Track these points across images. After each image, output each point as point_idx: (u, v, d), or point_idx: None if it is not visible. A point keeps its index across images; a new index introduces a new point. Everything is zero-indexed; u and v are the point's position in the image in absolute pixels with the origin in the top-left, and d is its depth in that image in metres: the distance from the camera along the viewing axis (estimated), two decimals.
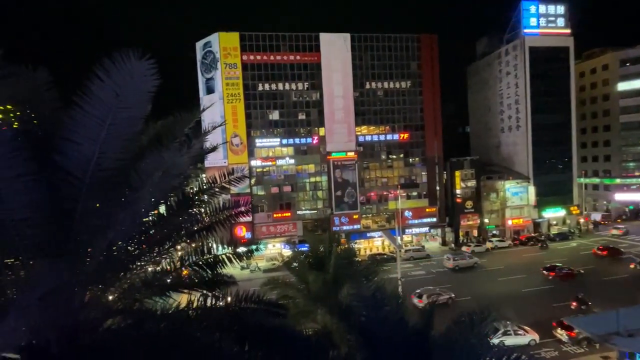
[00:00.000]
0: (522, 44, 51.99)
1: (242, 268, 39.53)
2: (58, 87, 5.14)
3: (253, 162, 47.18)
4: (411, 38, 50.86)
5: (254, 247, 7.36)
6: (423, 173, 51.77)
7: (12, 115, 4.93)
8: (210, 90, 47.04)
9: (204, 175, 36.72)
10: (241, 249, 6.66)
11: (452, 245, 50.56)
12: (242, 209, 6.20)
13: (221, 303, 5.74)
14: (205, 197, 6.10)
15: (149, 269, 5.45)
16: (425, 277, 37.98)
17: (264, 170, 48.31)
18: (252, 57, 46.79)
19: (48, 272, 3.39)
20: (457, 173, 51.36)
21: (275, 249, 46.81)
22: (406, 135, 51.12)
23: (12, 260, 4.28)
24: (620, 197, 57.88)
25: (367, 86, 50.13)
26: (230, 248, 6.39)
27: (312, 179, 49.43)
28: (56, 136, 4.07)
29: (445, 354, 5.64)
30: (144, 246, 5.19)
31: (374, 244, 50.22)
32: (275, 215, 47.83)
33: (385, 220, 51.04)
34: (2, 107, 4.73)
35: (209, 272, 6.11)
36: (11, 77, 4.54)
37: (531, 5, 52.44)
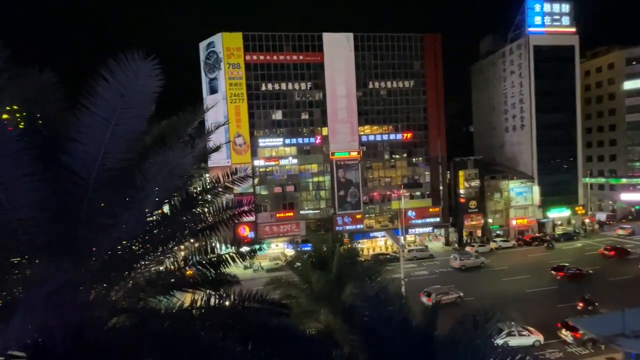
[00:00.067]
0: (527, 43, 51.61)
1: (245, 267, 39.62)
2: (62, 88, 5.19)
3: (256, 162, 47.27)
4: (414, 37, 50.68)
5: (257, 246, 7.38)
6: (426, 173, 51.59)
7: (18, 115, 4.99)
8: (213, 90, 47.21)
9: (207, 175, 36.88)
10: (244, 249, 6.68)
11: (456, 245, 50.34)
12: (245, 208, 6.22)
13: (225, 302, 5.76)
14: (209, 196, 6.12)
15: (153, 268, 5.48)
16: (429, 277, 37.85)
17: (267, 170, 48.39)
18: (255, 57, 46.88)
19: (54, 270, 3.42)
20: (461, 173, 51.12)
21: (278, 249, 46.89)
22: (409, 135, 50.96)
23: (19, 258, 4.33)
24: (626, 197, 57.28)
25: (370, 86, 50.03)
26: (233, 247, 6.41)
27: (315, 179, 49.44)
28: (61, 136, 4.11)
29: (449, 354, 5.62)
30: (148, 245, 5.22)
31: (377, 244, 50.13)
32: (278, 215, 47.89)
33: (388, 220, 50.92)
34: (8, 108, 4.78)
35: (213, 271, 6.14)
36: (17, 78, 4.58)
37: (536, 4, 52.03)
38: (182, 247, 6.19)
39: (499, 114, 58.80)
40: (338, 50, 48.35)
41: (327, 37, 48.27)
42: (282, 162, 48.45)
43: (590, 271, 34.67)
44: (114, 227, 3.98)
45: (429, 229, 51.80)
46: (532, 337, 22.87)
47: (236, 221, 6.36)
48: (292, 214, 48.22)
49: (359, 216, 49.30)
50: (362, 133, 49.82)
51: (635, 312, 16.69)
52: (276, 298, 10.67)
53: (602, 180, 60.42)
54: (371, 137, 50.36)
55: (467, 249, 46.44)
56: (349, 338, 6.95)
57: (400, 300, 6.97)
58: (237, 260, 6.38)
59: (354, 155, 49.10)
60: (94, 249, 4.30)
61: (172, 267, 5.86)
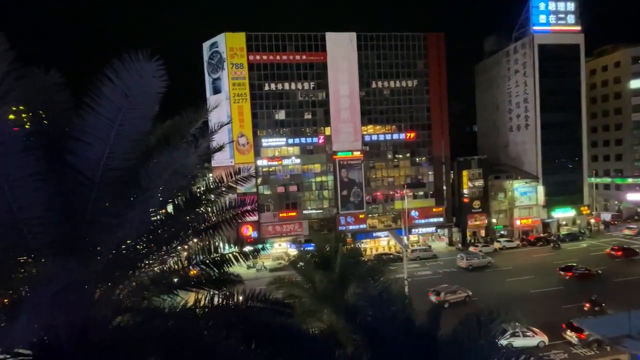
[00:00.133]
0: (531, 42, 51.24)
1: (249, 267, 39.76)
2: (67, 88, 5.23)
3: (259, 162, 47.37)
4: (418, 36, 50.51)
5: (260, 246, 7.40)
6: (430, 172, 51.41)
7: (24, 116, 5.04)
8: (217, 91, 47.36)
9: (210, 174, 37.01)
10: (247, 248, 6.70)
11: (460, 245, 50.12)
12: (248, 207, 6.24)
13: (229, 302, 5.78)
14: (212, 196, 6.15)
15: (157, 267, 5.51)
16: (432, 277, 37.72)
17: (270, 169, 48.47)
18: (258, 57, 46.96)
19: (60, 270, 3.45)
20: (465, 172, 50.87)
21: (281, 249, 46.95)
22: (413, 135, 50.81)
23: (25, 258, 4.37)
24: (632, 197, 56.70)
25: (374, 85, 49.94)
26: (236, 247, 6.43)
27: (318, 179, 49.45)
28: (67, 136, 4.14)
29: (453, 355, 5.60)
30: (152, 245, 5.25)
31: (380, 244, 50.05)
32: (281, 215, 47.96)
33: (391, 220, 50.82)
34: (14, 108, 4.82)
35: (216, 270, 6.17)
36: (23, 78, 4.63)
37: (540, 2, 51.62)
38: (186, 246, 6.22)
39: (503, 114, 58.44)
40: (341, 50, 48.30)
41: (330, 36, 48.24)
42: (285, 161, 48.50)
43: (599, 271, 34.34)
44: (118, 226, 4.01)
45: (432, 229, 51.62)
46: (536, 338, 22.71)
47: (239, 221, 6.38)
48: (295, 213, 48.26)
49: (362, 216, 49.25)
50: (365, 133, 49.74)
51: None
52: (279, 297, 10.68)
53: (607, 180, 59.84)
54: (374, 137, 50.26)
55: (471, 249, 46.21)
56: (352, 338, 6.95)
57: (403, 300, 6.96)
58: (241, 259, 6.40)
59: (357, 155, 49.04)
60: (98, 248, 4.33)
61: (176, 266, 5.90)
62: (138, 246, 5.12)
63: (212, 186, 6.18)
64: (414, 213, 49.92)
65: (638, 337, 15.40)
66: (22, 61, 4.35)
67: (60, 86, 5.15)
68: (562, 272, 34.66)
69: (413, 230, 50.12)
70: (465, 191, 50.92)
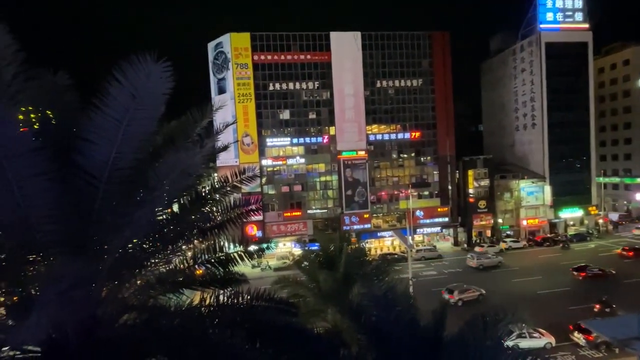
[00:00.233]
0: (538, 40, 50.66)
1: (253, 266, 39.87)
2: (75, 89, 5.30)
3: (264, 162, 47.50)
4: (423, 35, 50.23)
5: (264, 245, 7.43)
6: (435, 172, 51.13)
7: (32, 116, 5.11)
8: (221, 91, 47.59)
9: (215, 174, 37.22)
10: (252, 248, 6.73)
11: (465, 245, 49.78)
12: (253, 207, 6.26)
13: (234, 301, 5.81)
14: (218, 196, 6.18)
15: (163, 266, 5.57)
16: (437, 277, 37.52)
17: (275, 169, 48.58)
18: (262, 57, 47.08)
19: (68, 268, 3.50)
20: (470, 172, 50.51)
21: (285, 248, 47.06)
22: (417, 134, 50.56)
23: (34, 256, 4.44)
24: None
25: (378, 85, 49.78)
26: (241, 246, 6.46)
27: (323, 178, 49.45)
28: (74, 136, 4.20)
29: (458, 355, 5.56)
30: (158, 244, 5.29)
31: (384, 244, 49.90)
32: (285, 214, 48.05)
33: (396, 220, 50.65)
34: (23, 109, 4.89)
35: (221, 270, 6.20)
36: (32, 79, 4.70)
37: (548, 0, 51.02)
38: (191, 245, 6.27)
39: (509, 113, 57.88)
40: (346, 49, 48.22)
41: (334, 36, 48.18)
42: (290, 161, 48.58)
43: (613, 271, 33.88)
44: (125, 225, 4.05)
45: (438, 229, 51.33)
46: (543, 340, 22.48)
47: (244, 220, 6.40)
48: (299, 213, 48.33)
49: (366, 216, 49.14)
50: (369, 132, 49.61)
51: None
52: (284, 297, 10.70)
53: (616, 179, 58.98)
54: (379, 136, 50.12)
55: (476, 249, 45.89)
56: (357, 338, 6.94)
57: (408, 301, 6.93)
58: (245, 259, 6.42)
59: (362, 155, 48.94)
60: (106, 247, 4.38)
61: (182, 265, 5.94)
62: (144, 245, 5.17)
63: (217, 186, 6.21)
64: (418, 213, 49.70)
65: None
66: (32, 62, 4.42)
67: (68, 87, 5.22)
68: (575, 273, 34.25)
69: (418, 230, 49.89)
70: (470, 191, 50.55)
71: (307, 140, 48.81)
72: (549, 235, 49.96)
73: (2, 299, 4.48)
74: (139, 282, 5.30)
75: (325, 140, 49.01)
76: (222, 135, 6.47)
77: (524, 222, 50.86)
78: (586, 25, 51.55)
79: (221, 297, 5.72)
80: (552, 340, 22.64)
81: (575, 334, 22.74)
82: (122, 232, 4.11)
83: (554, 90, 50.68)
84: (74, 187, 4.07)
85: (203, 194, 6.08)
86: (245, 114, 46.77)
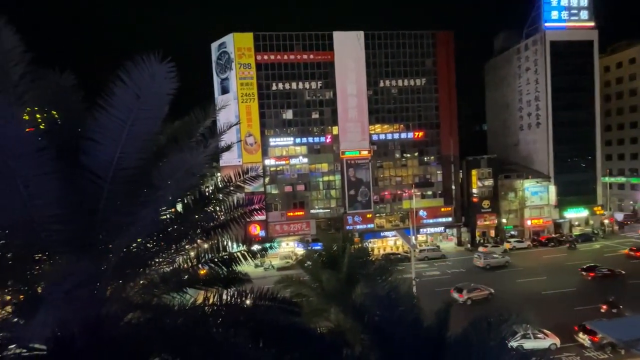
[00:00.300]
0: (543, 39, 50.26)
1: (256, 266, 39.97)
2: (81, 89, 5.34)
3: (267, 161, 47.58)
4: (426, 35, 50.03)
5: (267, 245, 7.44)
6: (438, 172, 50.92)
7: (38, 116, 5.16)
8: (225, 91, 47.72)
9: (219, 174, 37.34)
10: (255, 247, 6.75)
11: (469, 245, 49.54)
12: (256, 206, 6.28)
13: (237, 300, 5.83)
14: (221, 195, 6.21)
15: (167, 265, 5.60)
16: (441, 277, 37.37)
17: (278, 169, 48.65)
18: (266, 57, 47.14)
19: (74, 267, 3.53)
20: (474, 172, 50.23)
21: (288, 248, 47.10)
22: (421, 134, 50.39)
23: (40, 255, 4.48)
24: None
25: (381, 84, 49.66)
26: (244, 246, 6.48)
27: (326, 178, 49.43)
28: (80, 136, 4.23)
29: (462, 356, 5.54)
30: (162, 243, 5.33)
31: (387, 244, 49.79)
32: (288, 214, 48.10)
33: (399, 220, 50.52)
34: (29, 109, 4.94)
35: (225, 269, 6.23)
36: (38, 80, 4.74)
37: None
38: (195, 245, 6.29)
39: (513, 112, 57.50)
40: (349, 49, 48.15)
41: (337, 35, 48.13)
42: (293, 161, 48.61)
43: (622, 272, 33.54)
44: (130, 225, 4.08)
45: (441, 229, 51.13)
46: (547, 340, 22.32)
47: (247, 219, 6.42)
48: (302, 213, 48.35)
49: (369, 215, 49.07)
50: (372, 132, 49.52)
51: None
52: (287, 296, 10.72)
53: (622, 179, 58.39)
54: (382, 136, 50.01)
55: (480, 249, 45.65)
56: (360, 337, 6.93)
57: (411, 301, 6.91)
58: (248, 258, 6.45)
59: (365, 154, 48.87)
60: (110, 246, 4.42)
61: (185, 264, 5.98)
62: (149, 244, 5.20)
63: (220, 185, 6.23)
64: (422, 213, 49.52)
65: None
66: (33, 62, 4.46)
67: (74, 87, 5.27)
68: (584, 273, 33.95)
69: (421, 230, 49.73)
70: (474, 191, 50.29)
71: (310, 140, 48.81)
72: (553, 235, 49.58)
73: (9, 297, 4.53)
74: (143, 281, 5.34)
75: (328, 140, 48.99)
76: (225, 135, 6.49)
77: (528, 222, 50.52)
78: (592, 24, 51.06)
79: (224, 297, 5.75)
80: (557, 341, 22.48)
81: (581, 334, 22.55)
82: (127, 231, 4.14)
83: (558, 89, 50.25)
84: (79, 186, 4.10)
85: (206, 194, 6.10)
86: (248, 113, 46.86)
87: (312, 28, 48.02)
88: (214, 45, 48.28)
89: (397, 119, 50.27)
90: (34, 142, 3.75)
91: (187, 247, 5.77)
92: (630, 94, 56.87)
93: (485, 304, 27.51)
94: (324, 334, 7.81)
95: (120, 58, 3.86)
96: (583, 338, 22.38)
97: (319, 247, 19.62)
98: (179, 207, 5.60)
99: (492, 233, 51.44)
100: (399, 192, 50.45)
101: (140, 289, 5.28)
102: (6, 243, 4.45)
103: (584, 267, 34.65)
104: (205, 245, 6.29)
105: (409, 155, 50.84)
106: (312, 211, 48.69)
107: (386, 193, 50.38)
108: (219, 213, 6.17)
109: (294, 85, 48.06)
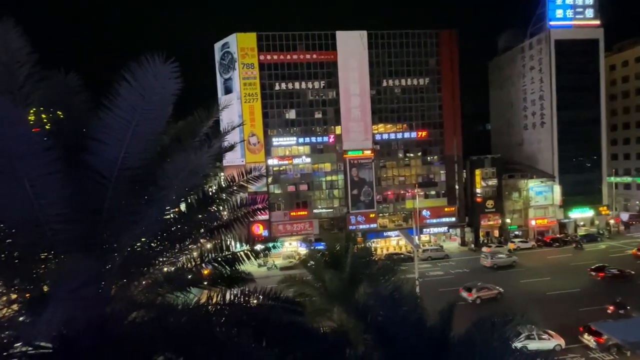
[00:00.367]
0: (548, 37, 49.88)
1: (260, 265, 40.07)
2: (86, 90, 5.39)
3: (270, 161, 47.66)
4: (429, 34, 49.84)
5: (271, 244, 7.47)
6: (442, 172, 50.72)
7: (44, 116, 5.21)
8: (228, 91, 47.86)
9: (222, 173, 37.47)
10: (258, 247, 6.77)
11: (472, 245, 49.32)
12: (259, 206, 6.30)
13: (241, 299, 5.85)
14: (224, 195, 6.23)
15: (171, 264, 5.63)
16: (444, 277, 37.23)
17: (281, 169, 48.71)
18: (269, 57, 47.21)
19: (79, 266, 3.56)
20: (478, 171, 49.98)
21: (291, 247, 47.17)
22: (424, 133, 50.22)
23: (46, 254, 4.53)
24: None
25: (384, 84, 49.56)
26: (247, 245, 6.50)
27: (329, 178, 49.43)
28: (85, 136, 4.27)
29: (465, 356, 5.52)
30: (166, 243, 5.36)
31: (390, 244, 49.71)
32: (291, 214, 48.16)
33: (402, 220, 50.40)
34: (34, 109, 4.99)
35: (228, 268, 6.25)
36: (44, 80, 4.79)
37: None
38: (198, 244, 6.32)
39: (517, 111, 57.13)
40: (352, 49, 48.09)
41: (340, 35, 48.08)
42: (296, 161, 48.65)
43: (632, 272, 33.20)
44: (134, 224, 4.11)
45: (444, 229, 50.94)
46: (552, 341, 22.16)
47: (250, 219, 6.45)
48: (305, 212, 48.38)
49: (372, 215, 48.99)
50: (376, 131, 49.43)
51: None
52: (290, 296, 10.74)
53: (628, 179, 57.80)
54: (385, 136, 49.91)
55: (484, 249, 45.42)
56: (363, 337, 6.93)
57: (414, 301, 6.90)
58: (252, 258, 6.47)
59: (368, 154, 48.79)
60: (115, 245, 4.45)
61: (189, 264, 6.01)
62: (153, 244, 5.23)
63: (224, 185, 6.26)
64: (425, 212, 49.37)
65: None
66: (40, 63, 4.51)
67: (79, 88, 5.31)
68: (593, 273, 33.68)
69: (424, 230, 49.56)
70: (478, 190, 50.04)
71: (313, 139, 48.82)
72: (558, 235, 49.20)
73: (15, 296, 4.58)
74: (147, 280, 5.37)
75: (331, 140, 48.98)
76: (228, 135, 6.51)
77: (533, 222, 50.17)
78: (597, 22, 50.57)
79: (228, 296, 5.77)
80: (562, 342, 22.30)
81: (586, 335, 22.37)
82: (131, 230, 4.17)
83: (563, 88, 49.85)
84: (84, 186, 4.14)
85: (210, 194, 6.12)
86: (251, 113, 46.97)
87: (313, 28, 48.06)
88: (217, 46, 48.43)
89: (400, 118, 50.14)
90: (39, 142, 3.79)
91: (190, 246, 5.80)
92: (636, 92, 56.25)
93: (494, 303, 27.39)
94: (327, 333, 7.81)
95: (123, 59, 3.88)
96: (588, 339, 22.19)
97: (321, 247, 19.62)
98: (183, 206, 5.63)
99: (496, 233, 51.16)
100: (402, 192, 50.32)
101: (144, 288, 5.32)
102: (12, 242, 4.50)
103: (593, 267, 34.37)
104: (209, 245, 6.32)
105: (412, 154, 50.69)
106: (315, 211, 48.71)
107: (389, 193, 50.27)
108: (222, 213, 6.20)
109: (296, 85, 48.09)
